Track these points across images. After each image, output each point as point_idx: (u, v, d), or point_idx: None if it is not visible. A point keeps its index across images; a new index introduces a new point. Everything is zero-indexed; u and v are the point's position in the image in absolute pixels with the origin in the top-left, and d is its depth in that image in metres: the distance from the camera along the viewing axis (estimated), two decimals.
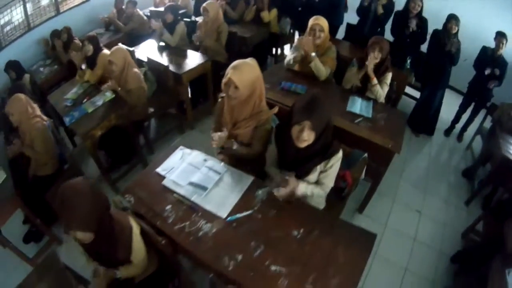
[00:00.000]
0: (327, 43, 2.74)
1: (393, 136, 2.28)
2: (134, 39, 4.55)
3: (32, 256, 2.52)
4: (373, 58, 2.50)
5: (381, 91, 2.59)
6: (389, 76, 2.62)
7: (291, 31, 4.90)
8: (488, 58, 3.11)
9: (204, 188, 1.81)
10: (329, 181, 1.77)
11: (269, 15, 4.32)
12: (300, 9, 4.44)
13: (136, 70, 2.96)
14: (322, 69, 2.69)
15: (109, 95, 3.00)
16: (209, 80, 3.61)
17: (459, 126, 3.70)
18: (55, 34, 4.47)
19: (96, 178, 3.18)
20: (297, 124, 1.55)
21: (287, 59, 2.89)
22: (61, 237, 2.71)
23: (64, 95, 3.18)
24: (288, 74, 2.89)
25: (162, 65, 3.23)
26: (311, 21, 2.66)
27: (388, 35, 3.68)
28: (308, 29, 2.68)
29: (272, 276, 1.44)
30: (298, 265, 1.48)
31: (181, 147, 2.09)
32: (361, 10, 3.87)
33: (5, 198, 2.36)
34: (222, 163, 1.97)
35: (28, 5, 4.67)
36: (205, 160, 1.98)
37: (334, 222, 1.75)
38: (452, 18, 3.09)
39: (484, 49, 3.18)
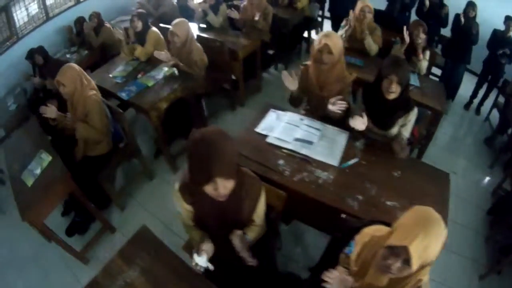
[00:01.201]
0: (372, 23, 3.00)
1: (439, 101, 2.60)
2: (165, 23, 4.35)
3: (80, 250, 2.30)
4: (419, 37, 2.76)
5: (424, 65, 2.90)
6: (428, 53, 2.92)
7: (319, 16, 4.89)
8: (499, 39, 3.47)
9: (309, 142, 1.91)
10: (407, 133, 1.95)
11: (302, 2, 4.28)
12: None
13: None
14: (373, 45, 2.96)
15: (167, 69, 2.82)
16: (258, 58, 3.53)
17: (476, 102, 4.02)
18: (80, 20, 4.25)
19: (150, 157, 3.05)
20: (386, 78, 1.74)
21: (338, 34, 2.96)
22: (113, 224, 2.52)
23: (109, 73, 2.97)
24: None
25: (217, 40, 3.11)
26: (360, 4, 2.89)
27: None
28: (357, 10, 2.89)
29: (389, 209, 1.60)
30: (406, 199, 1.63)
31: (272, 109, 2.14)
32: None
33: (52, 182, 1.99)
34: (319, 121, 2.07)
35: None
36: (301, 119, 2.07)
37: (417, 163, 2.17)
38: (469, 5, 3.54)
39: (495, 32, 3.55)
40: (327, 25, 4.80)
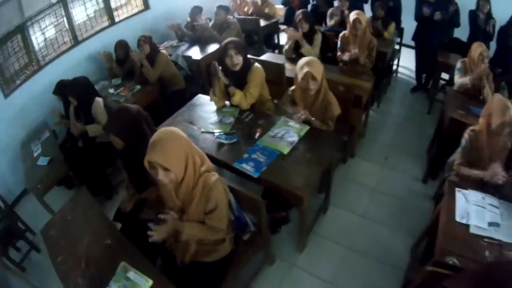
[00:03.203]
0: None
1: None
2: (202, 45, 3.78)
3: None
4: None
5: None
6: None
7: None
8: (507, 31, 3.16)
9: (497, 224, 1.64)
10: None
11: (389, 31, 3.68)
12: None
13: None
14: (490, 93, 2.48)
15: (300, 126, 2.06)
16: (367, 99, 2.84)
17: None
18: (123, 44, 3.41)
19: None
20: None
21: (459, 83, 2.66)
22: None
23: (200, 127, 2.24)
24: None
25: (340, 84, 2.47)
26: (478, 48, 2.53)
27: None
28: (475, 54, 2.53)
29: None
30: None
31: (457, 189, 1.78)
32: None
33: None
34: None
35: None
36: (483, 198, 1.79)
37: None
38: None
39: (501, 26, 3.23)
40: (407, 54, 4.23)
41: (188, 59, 3.51)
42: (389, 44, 3.54)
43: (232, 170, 1.90)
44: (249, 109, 2.31)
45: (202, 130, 2.17)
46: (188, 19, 3.99)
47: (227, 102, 2.39)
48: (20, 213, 2.71)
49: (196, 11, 3.84)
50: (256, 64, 2.27)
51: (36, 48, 3.32)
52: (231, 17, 3.88)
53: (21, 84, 3.14)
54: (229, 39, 2.18)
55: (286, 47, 3.14)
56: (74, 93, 2.58)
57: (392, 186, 2.64)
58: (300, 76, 2.04)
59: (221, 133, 2.09)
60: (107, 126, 1.74)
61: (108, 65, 3.48)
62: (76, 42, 3.69)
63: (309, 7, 4.45)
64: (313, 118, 2.10)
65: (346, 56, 2.97)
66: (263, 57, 3.17)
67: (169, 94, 3.28)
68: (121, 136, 1.69)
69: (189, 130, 2.19)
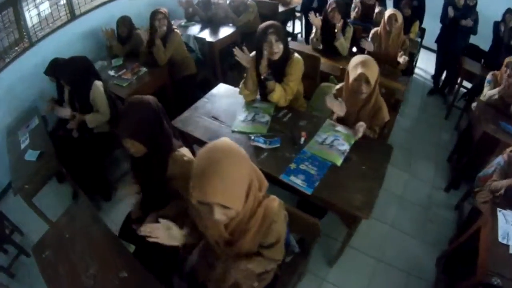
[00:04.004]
0: None
1: None
2: (215, 25, 3.40)
3: None
4: None
5: None
6: None
7: None
8: None
9: None
10: None
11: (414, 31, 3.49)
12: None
13: None
14: None
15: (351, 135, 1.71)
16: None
17: None
18: (126, 21, 3.00)
19: None
20: None
21: (488, 95, 2.52)
22: None
23: (230, 125, 1.88)
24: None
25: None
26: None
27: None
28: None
29: None
30: None
31: (498, 209, 1.64)
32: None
33: None
34: None
35: None
36: None
37: None
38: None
39: None
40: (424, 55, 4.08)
41: (200, 41, 3.10)
42: (415, 45, 3.31)
43: (274, 182, 1.56)
44: (286, 107, 1.96)
45: (234, 129, 1.82)
46: None
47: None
48: (6, 208, 2.39)
49: None
50: (296, 54, 1.91)
51: (29, 24, 2.88)
52: None
53: (10, 62, 2.71)
54: (269, 22, 1.79)
55: (311, 36, 2.78)
56: (66, 75, 2.14)
57: (417, 194, 2.56)
58: (352, 76, 1.71)
59: (259, 135, 1.73)
60: (122, 129, 1.24)
61: (108, 43, 3.04)
62: (73, 16, 3.24)
63: None
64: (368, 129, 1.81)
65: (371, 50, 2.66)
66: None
67: (179, 80, 2.88)
68: (145, 142, 1.25)
69: (214, 127, 1.84)
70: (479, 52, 3.42)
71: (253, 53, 1.90)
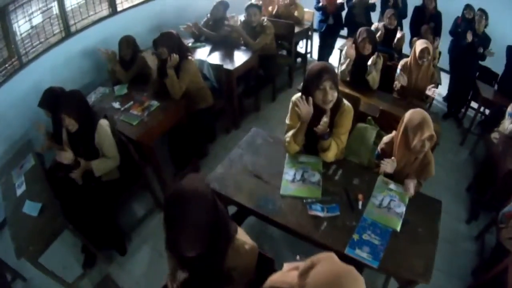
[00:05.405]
0: None
1: None
2: (226, 47, 3.15)
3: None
4: None
5: None
6: None
7: None
8: None
9: None
10: None
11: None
12: None
13: None
14: None
15: (398, 190, 1.55)
16: None
17: None
18: (129, 41, 2.68)
19: None
20: None
21: (510, 129, 2.48)
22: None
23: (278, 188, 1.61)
24: None
25: None
26: None
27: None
28: None
29: None
30: None
31: None
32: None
33: None
34: None
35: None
36: None
37: None
38: None
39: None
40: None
41: (216, 67, 2.81)
42: (439, 74, 3.23)
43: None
44: (334, 162, 1.74)
45: (283, 193, 1.58)
46: (209, 15, 3.30)
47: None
48: (2, 248, 2.16)
49: (224, 7, 3.16)
50: (346, 102, 1.70)
51: (19, 41, 2.53)
52: (265, 18, 3.22)
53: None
54: (321, 65, 1.55)
55: (343, 68, 2.59)
56: (74, 110, 1.80)
57: (441, 227, 2.40)
58: (416, 137, 1.55)
59: (314, 200, 1.51)
60: (179, 241, 0.97)
61: (110, 67, 2.68)
62: (68, 33, 2.90)
63: (344, 14, 3.90)
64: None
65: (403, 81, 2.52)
66: None
67: (194, 113, 2.56)
68: (202, 247, 1.00)
69: (260, 189, 1.59)
70: (491, 74, 3.43)
71: (297, 95, 1.68)
